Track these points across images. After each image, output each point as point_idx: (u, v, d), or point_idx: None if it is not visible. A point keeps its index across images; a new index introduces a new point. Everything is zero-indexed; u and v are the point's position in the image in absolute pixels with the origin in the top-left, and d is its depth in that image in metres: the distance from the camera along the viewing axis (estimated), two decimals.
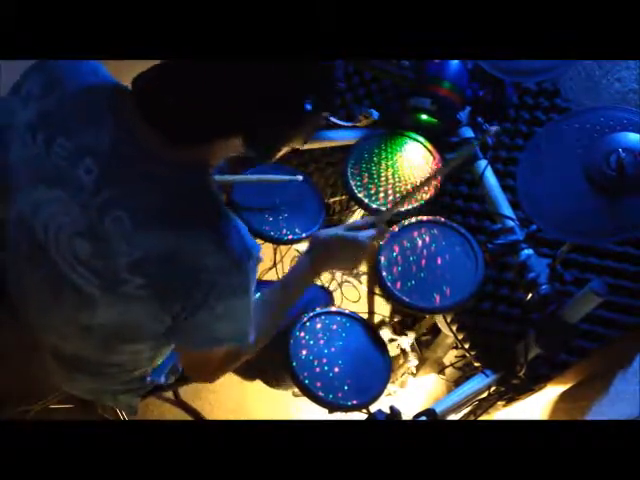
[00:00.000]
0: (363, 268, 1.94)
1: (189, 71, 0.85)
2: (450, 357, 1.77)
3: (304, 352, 1.34)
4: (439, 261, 1.38)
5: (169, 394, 1.89)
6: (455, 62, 1.51)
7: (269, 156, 0.95)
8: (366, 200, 1.48)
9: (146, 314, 0.95)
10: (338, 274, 1.80)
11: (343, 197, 1.88)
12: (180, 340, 1.01)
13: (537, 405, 1.56)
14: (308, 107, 0.89)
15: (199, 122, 0.87)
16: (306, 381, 1.29)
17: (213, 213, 0.91)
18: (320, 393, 1.28)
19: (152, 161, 0.87)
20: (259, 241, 1.20)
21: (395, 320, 1.86)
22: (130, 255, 0.87)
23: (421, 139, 1.57)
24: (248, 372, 1.57)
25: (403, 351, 1.80)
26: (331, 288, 1.71)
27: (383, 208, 1.46)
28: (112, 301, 0.93)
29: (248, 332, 1.02)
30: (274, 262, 1.71)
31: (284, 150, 0.95)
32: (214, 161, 0.94)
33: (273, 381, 1.55)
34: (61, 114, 0.90)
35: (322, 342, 1.37)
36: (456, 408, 1.37)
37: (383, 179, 1.51)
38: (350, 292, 1.85)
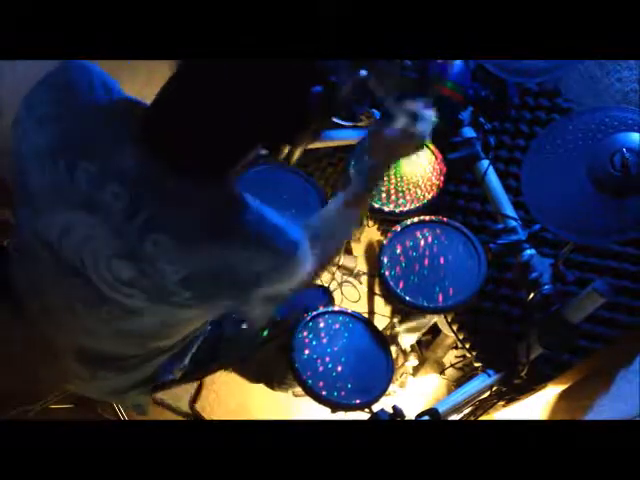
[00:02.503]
0: (362, 267, 1.95)
1: (199, 97, 0.84)
2: (451, 357, 1.77)
3: (307, 351, 1.34)
4: (441, 261, 1.37)
5: (165, 397, 1.89)
6: (457, 62, 1.50)
7: (277, 152, 0.96)
8: None
9: (189, 318, 0.97)
10: (338, 274, 1.80)
11: None
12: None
13: (537, 405, 1.56)
14: (318, 89, 0.86)
15: (217, 153, 0.88)
16: (309, 381, 1.29)
17: (249, 219, 0.90)
18: (323, 392, 1.28)
19: (179, 180, 0.86)
20: None
21: (395, 320, 1.86)
22: (177, 273, 0.88)
23: None
24: (251, 375, 1.57)
25: (403, 351, 1.80)
26: (331, 288, 1.71)
27: (385, 208, 1.46)
28: (158, 310, 0.94)
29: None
30: None
31: (298, 151, 0.97)
32: (238, 170, 0.95)
33: (275, 384, 1.55)
34: (80, 136, 0.89)
35: (325, 341, 1.37)
36: (458, 408, 1.37)
37: (385, 179, 1.51)
38: (350, 292, 1.85)
